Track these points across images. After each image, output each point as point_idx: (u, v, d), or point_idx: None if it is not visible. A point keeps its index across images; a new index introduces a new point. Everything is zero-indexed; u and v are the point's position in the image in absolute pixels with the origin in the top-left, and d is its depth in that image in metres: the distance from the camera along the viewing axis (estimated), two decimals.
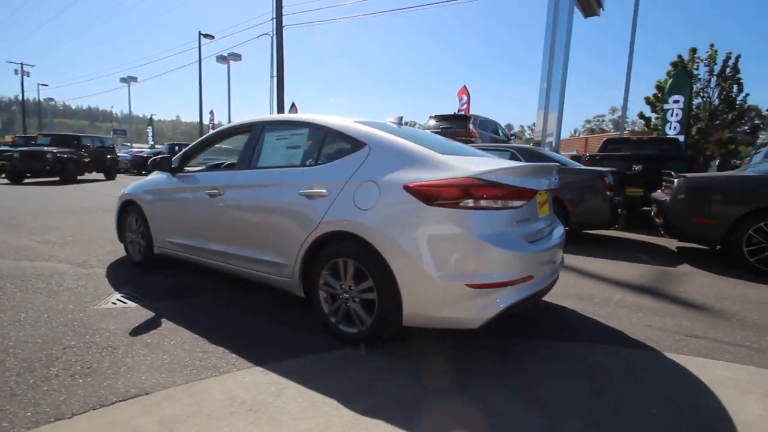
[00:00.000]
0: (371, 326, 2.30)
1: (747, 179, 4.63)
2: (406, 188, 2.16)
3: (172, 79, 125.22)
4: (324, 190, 2.45)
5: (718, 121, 23.77)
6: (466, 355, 2.34)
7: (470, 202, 2.04)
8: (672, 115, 11.69)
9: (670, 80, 12.38)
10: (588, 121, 77.28)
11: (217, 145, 3.67)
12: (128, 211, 4.05)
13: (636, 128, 38.99)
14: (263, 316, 2.86)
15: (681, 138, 10.54)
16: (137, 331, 2.58)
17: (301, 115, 2.91)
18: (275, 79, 21.46)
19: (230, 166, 3.95)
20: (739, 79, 22.97)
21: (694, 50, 24.43)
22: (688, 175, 4.93)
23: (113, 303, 3.08)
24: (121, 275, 3.72)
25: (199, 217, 3.25)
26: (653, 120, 24.37)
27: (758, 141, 23.85)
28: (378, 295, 2.24)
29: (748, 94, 23.13)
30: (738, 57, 22.91)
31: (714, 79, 23.60)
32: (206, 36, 25.33)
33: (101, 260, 4.20)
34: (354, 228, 2.29)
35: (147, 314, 2.85)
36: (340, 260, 2.39)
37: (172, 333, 2.56)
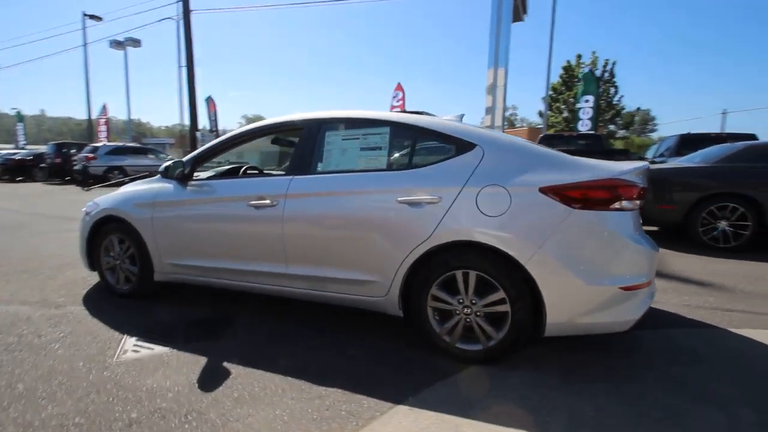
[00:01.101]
0: (501, 341, 2.12)
1: (699, 170, 5.41)
2: (544, 191, 2.03)
3: (36, 67, 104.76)
4: (434, 197, 2.19)
5: (600, 119, 27.81)
6: (577, 355, 2.31)
7: (620, 204, 1.99)
8: (584, 113, 13.27)
9: (581, 83, 14.02)
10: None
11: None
12: (105, 230, 3.22)
13: (524, 125, 43.70)
14: (347, 344, 2.48)
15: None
16: (207, 384, 2.04)
17: (375, 113, 2.56)
18: (185, 68, 19.37)
19: (244, 172, 3.39)
20: (615, 82, 27.12)
21: (579, 56, 28.15)
22: (652, 167, 5.59)
23: (134, 350, 2.41)
24: (110, 313, 2.93)
25: (238, 234, 2.70)
26: (550, 118, 27.46)
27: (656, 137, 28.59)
28: (512, 307, 2.07)
29: (622, 96, 27.45)
30: (614, 63, 26.97)
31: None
32: (92, 17, 21.59)
33: (66, 295, 3.28)
34: (482, 237, 2.08)
35: (195, 359, 2.28)
36: (459, 273, 2.17)
37: (255, 379, 2.08)
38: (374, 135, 2.49)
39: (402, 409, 1.83)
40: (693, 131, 9.42)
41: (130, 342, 2.50)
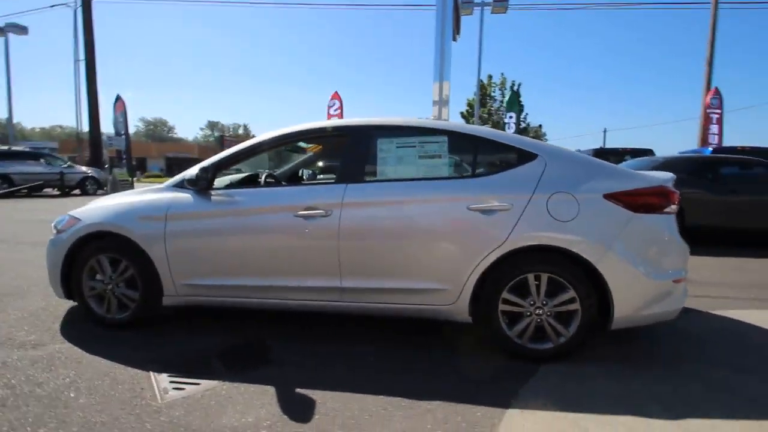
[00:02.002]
0: (572, 338, 2.27)
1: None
2: (609, 197, 2.24)
3: None
4: (505, 204, 2.27)
5: None
6: (628, 344, 2.56)
7: (670, 208, 2.28)
8: (509, 128, 14.63)
9: (506, 100, 15.46)
10: None
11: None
12: (89, 250, 2.70)
13: None
14: (414, 358, 2.41)
15: None
16: (298, 415, 1.83)
17: (430, 122, 2.57)
18: (84, 63, 17.04)
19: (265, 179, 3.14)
20: (521, 102, 30.34)
21: (490, 77, 30.94)
22: None
23: (177, 388, 2.06)
24: (110, 348, 2.44)
25: (282, 247, 2.47)
26: None
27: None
28: (582, 304, 2.23)
29: (527, 113, 30.77)
30: (519, 84, 30.15)
31: (504, 101, 30.46)
32: None
33: (34, 331, 2.67)
34: (556, 241, 2.22)
35: (260, 390, 2.03)
36: (531, 275, 2.27)
37: (345, 403, 1.92)
38: (432, 143, 2.50)
39: (514, 413, 1.85)
40: (580, 147, 10.95)
41: (162, 379, 2.14)
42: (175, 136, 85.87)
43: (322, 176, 5.99)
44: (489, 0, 14.01)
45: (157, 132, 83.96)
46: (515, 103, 14.94)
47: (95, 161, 17.43)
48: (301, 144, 3.79)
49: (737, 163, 6.67)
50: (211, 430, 1.72)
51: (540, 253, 2.27)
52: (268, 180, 3.06)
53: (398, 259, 2.38)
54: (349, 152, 2.55)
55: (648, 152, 10.00)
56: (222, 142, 20.24)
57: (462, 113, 30.40)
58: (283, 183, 3.01)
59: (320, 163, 3.95)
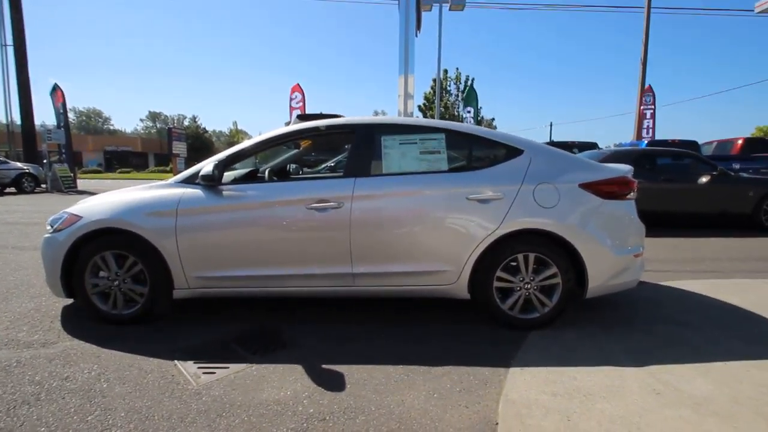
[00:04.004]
0: (554, 307, 2.65)
1: None
2: (583, 186, 2.62)
3: None
4: (498, 194, 2.59)
5: None
6: (597, 311, 3.00)
7: (632, 194, 2.70)
8: (467, 122, 15.26)
9: (465, 95, 16.06)
10: None
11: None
12: (92, 247, 2.69)
13: None
14: (418, 331, 2.68)
15: None
16: (332, 385, 2.04)
17: (429, 121, 2.82)
18: (10, 48, 15.55)
19: (276, 173, 3.26)
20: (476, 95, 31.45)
21: (446, 71, 31.69)
22: None
23: (208, 372, 2.19)
24: (123, 341, 2.50)
25: (295, 238, 2.63)
26: None
27: None
28: (563, 278, 2.61)
29: (481, 107, 31.91)
30: (473, 79, 31.21)
31: (460, 95, 31.40)
32: None
33: (37, 331, 2.64)
34: (541, 225, 2.57)
35: (289, 369, 2.21)
36: (520, 255, 2.61)
37: (369, 373, 2.15)
38: (431, 140, 2.76)
39: (516, 371, 2.18)
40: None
41: (189, 366, 2.25)
42: (111, 128, 79.82)
43: (307, 170, 6.10)
44: None
45: (92, 124, 77.56)
46: (473, 98, 15.63)
47: (30, 156, 15.98)
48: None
49: (670, 155, 7.56)
50: (256, 404, 1.89)
51: (528, 235, 2.62)
52: (272, 174, 3.18)
53: (405, 245, 2.63)
54: (355, 148, 2.74)
55: (593, 145, 10.97)
56: (170, 135, 19.18)
57: (419, 106, 31.00)
58: (291, 177, 3.14)
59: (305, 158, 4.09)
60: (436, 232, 2.61)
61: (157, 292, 2.71)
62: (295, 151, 3.91)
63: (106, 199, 2.83)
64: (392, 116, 2.86)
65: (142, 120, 79.48)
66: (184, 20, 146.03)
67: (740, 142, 11.69)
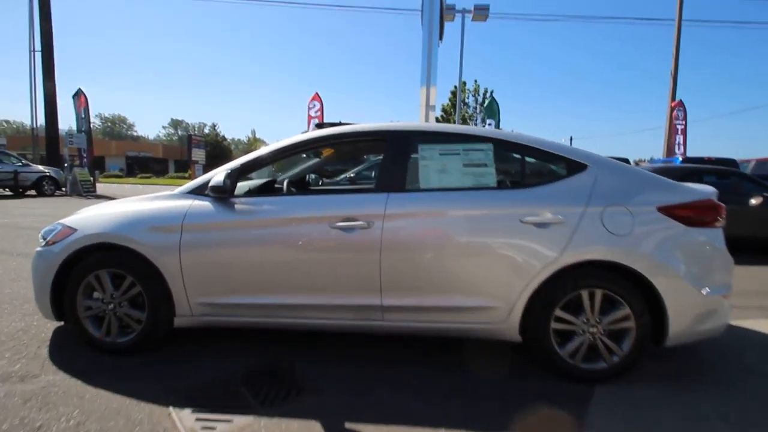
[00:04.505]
0: (625, 357, 2.19)
1: None
2: (662, 210, 2.17)
3: None
4: (559, 216, 2.16)
5: None
6: (668, 359, 2.52)
7: (720, 221, 2.24)
8: None
9: (485, 106, 15.66)
10: None
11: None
12: (86, 264, 2.36)
13: None
14: (461, 379, 2.25)
15: None
16: None
17: (474, 128, 2.43)
18: (38, 54, 15.88)
19: (295, 185, 2.91)
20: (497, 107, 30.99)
21: (464, 83, 31.40)
22: None
23: (206, 428, 1.80)
24: (112, 378, 2.14)
25: (317, 261, 2.25)
26: None
27: None
28: (637, 322, 2.15)
29: (500, 120, 31.43)
30: (492, 91, 30.82)
31: (478, 107, 31.00)
32: None
33: (18, 359, 2.30)
34: (612, 255, 2.13)
35: (305, 426, 1.81)
36: (584, 292, 2.17)
37: None
38: (476, 151, 2.36)
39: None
40: None
41: (186, 416, 1.87)
42: (135, 134, 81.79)
43: (327, 181, 5.74)
44: (470, 8, 14.18)
45: (116, 130, 79.61)
46: (495, 110, 15.22)
47: (53, 159, 16.16)
48: None
49: (717, 173, 6.98)
50: None
51: (595, 268, 2.18)
52: (291, 187, 2.82)
53: (445, 275, 2.22)
54: (387, 159, 2.36)
55: (625, 161, 10.40)
56: (190, 142, 19.29)
57: (437, 118, 30.68)
58: (312, 190, 2.78)
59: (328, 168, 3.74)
60: (482, 260, 2.20)
61: (157, 319, 2.35)
62: (316, 160, 3.56)
63: (104, 211, 2.51)
64: (431, 123, 2.43)
65: (164, 127, 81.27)
66: (209, 24, 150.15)
67: None
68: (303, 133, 2.85)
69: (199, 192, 2.39)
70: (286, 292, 2.29)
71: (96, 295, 2.40)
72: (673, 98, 15.76)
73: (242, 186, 2.62)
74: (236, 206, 2.33)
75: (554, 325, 2.20)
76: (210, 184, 2.27)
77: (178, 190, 2.49)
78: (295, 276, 2.27)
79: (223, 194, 2.27)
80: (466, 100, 31.39)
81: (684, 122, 15.44)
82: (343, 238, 2.22)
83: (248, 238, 2.28)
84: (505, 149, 2.39)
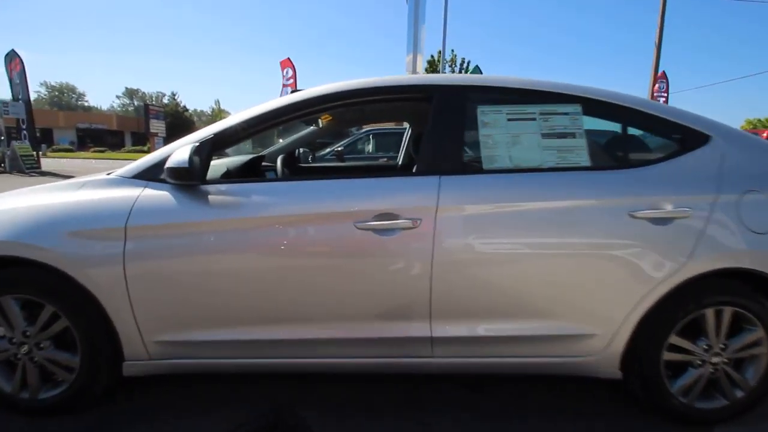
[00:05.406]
0: (752, 392, 1.64)
1: None
2: None
3: None
4: (682, 208, 1.53)
5: None
6: None
7: None
8: None
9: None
10: None
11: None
12: None
13: None
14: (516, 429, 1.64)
15: None
16: None
17: (555, 84, 1.71)
18: None
19: (289, 167, 2.13)
20: None
21: (440, 52, 30.28)
22: None
23: None
24: None
25: (334, 278, 1.53)
26: None
27: None
28: None
29: None
30: (469, 62, 29.89)
31: None
32: None
33: None
34: (755, 262, 1.53)
35: None
36: (709, 310, 1.58)
37: None
38: (560, 115, 1.66)
39: None
40: None
41: None
42: (86, 104, 75.27)
43: (326, 156, 4.88)
44: None
45: (64, 100, 72.88)
46: None
47: None
48: None
49: None
50: None
51: (724, 278, 1.58)
52: (286, 167, 2.03)
53: (520, 293, 1.56)
54: (438, 126, 1.63)
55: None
56: (147, 112, 17.46)
57: None
58: (319, 173, 2.01)
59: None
60: (575, 270, 1.55)
61: (95, 364, 1.59)
62: (312, 129, 2.75)
63: (5, 205, 1.66)
64: (492, 75, 1.68)
65: (118, 97, 75.00)
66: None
67: (766, 135, 10.96)
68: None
69: (150, 176, 1.58)
70: (289, 322, 1.57)
71: (2, 332, 1.59)
72: (657, 69, 15.52)
73: (216, 166, 1.83)
74: (210, 197, 1.54)
75: (667, 355, 1.61)
76: (167, 165, 1.46)
77: (117, 172, 1.67)
78: (304, 300, 1.55)
79: (189, 179, 1.48)
80: (443, 71, 30.39)
81: (666, 94, 15.29)
82: (375, 243, 1.51)
83: (232, 245, 1.52)
84: (599, 113, 1.71)
